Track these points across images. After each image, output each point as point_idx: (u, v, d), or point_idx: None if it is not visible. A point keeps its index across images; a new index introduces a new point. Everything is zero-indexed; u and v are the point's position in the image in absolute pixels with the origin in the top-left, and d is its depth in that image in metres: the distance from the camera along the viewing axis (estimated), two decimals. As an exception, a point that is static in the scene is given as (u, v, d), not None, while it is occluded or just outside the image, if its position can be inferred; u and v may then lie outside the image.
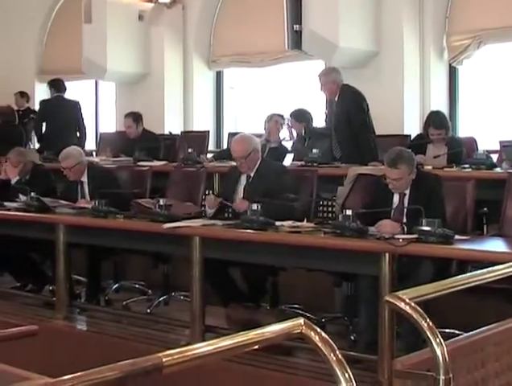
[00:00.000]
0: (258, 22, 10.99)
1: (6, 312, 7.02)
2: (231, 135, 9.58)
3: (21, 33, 13.39)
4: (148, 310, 6.98)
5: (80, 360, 6.12)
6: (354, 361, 4.71)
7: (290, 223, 5.63)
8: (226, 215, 6.55)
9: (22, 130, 11.01)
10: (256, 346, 2.17)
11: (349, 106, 8.05)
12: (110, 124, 12.26)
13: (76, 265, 7.23)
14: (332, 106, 8.39)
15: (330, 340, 2.23)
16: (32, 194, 7.08)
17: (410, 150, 5.85)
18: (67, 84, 13.29)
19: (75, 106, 11.27)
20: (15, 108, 12.02)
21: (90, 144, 11.96)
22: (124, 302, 7.22)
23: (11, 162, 8.24)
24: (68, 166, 7.41)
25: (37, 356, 5.73)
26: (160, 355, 1.92)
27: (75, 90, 13.50)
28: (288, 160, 8.56)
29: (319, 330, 2.25)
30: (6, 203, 7.55)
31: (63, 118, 10.86)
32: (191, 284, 5.98)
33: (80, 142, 10.39)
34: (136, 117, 9.73)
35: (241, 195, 6.41)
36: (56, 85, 11.29)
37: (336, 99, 8.16)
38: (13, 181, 8.18)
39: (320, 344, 2.21)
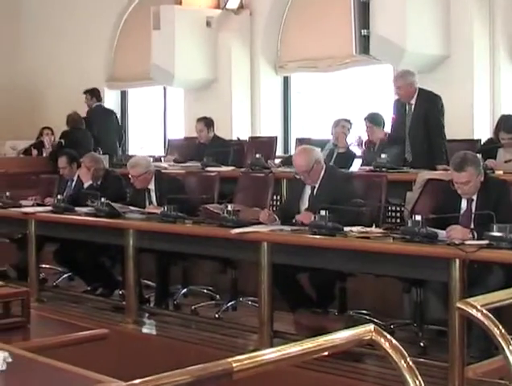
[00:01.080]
0: (326, 27, 10.96)
1: (77, 316, 7.11)
2: (298, 140, 9.57)
3: (91, 40, 13.57)
4: (216, 315, 7.00)
5: (148, 364, 6.19)
6: (424, 368, 4.65)
7: (358, 228, 5.60)
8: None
9: (90, 136, 11.16)
10: (326, 353, 2.16)
11: (428, 109, 8.01)
12: (178, 130, 12.34)
13: (145, 270, 7.30)
14: (401, 109, 8.30)
15: (400, 347, 2.21)
16: (103, 199, 7.17)
17: (476, 153, 5.78)
18: (136, 90, 13.54)
19: (113, 114, 12.15)
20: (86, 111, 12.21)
21: (158, 150, 12.08)
22: (192, 307, 7.25)
23: (85, 166, 8.37)
24: (135, 174, 7.49)
25: (107, 359, 5.79)
26: (230, 360, 1.93)
27: (143, 96, 13.68)
28: (356, 165, 8.52)
29: (389, 336, 2.23)
30: (77, 209, 7.67)
31: (106, 126, 11.48)
32: (259, 289, 5.99)
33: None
34: (208, 122, 9.85)
35: (307, 205, 6.39)
36: (96, 95, 12.10)
37: (413, 102, 8.10)
38: (85, 185, 8.31)
39: (390, 351, 2.19)
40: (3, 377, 2.40)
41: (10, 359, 2.38)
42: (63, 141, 10.63)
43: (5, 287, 5.58)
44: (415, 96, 8.10)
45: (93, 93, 12.26)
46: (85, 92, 12.29)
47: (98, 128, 11.56)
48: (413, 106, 8.13)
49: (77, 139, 10.63)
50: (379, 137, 8.55)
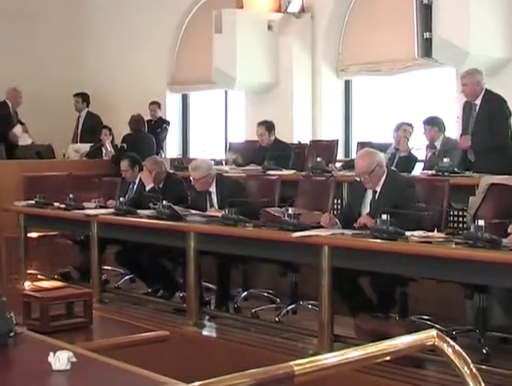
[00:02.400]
0: (388, 31, 10.90)
1: (138, 317, 7.17)
2: (360, 144, 9.53)
3: (153, 44, 13.69)
4: (276, 319, 6.99)
5: (208, 366, 6.21)
6: (487, 376, 4.60)
7: (420, 233, 5.55)
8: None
9: (152, 139, 11.24)
10: (387, 358, 2.15)
11: (493, 110, 7.90)
12: (239, 133, 12.38)
13: (206, 273, 7.33)
14: (467, 109, 8.21)
15: (463, 353, 2.18)
16: (164, 202, 7.22)
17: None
18: (197, 93, 13.60)
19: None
20: (149, 117, 12.31)
21: (219, 153, 12.13)
22: (253, 310, 7.25)
23: (147, 168, 8.45)
24: (196, 177, 7.53)
25: (167, 361, 5.84)
26: (291, 363, 1.92)
27: (205, 100, 13.74)
28: (418, 169, 8.45)
29: (452, 342, 2.21)
30: (138, 211, 7.74)
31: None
32: (319, 293, 5.97)
33: None
34: (269, 126, 9.87)
35: (368, 209, 6.36)
36: (87, 100, 12.78)
37: (478, 102, 8.01)
38: (147, 188, 8.39)
39: (453, 357, 2.17)
40: (67, 376, 2.44)
41: (74, 359, 2.41)
42: (125, 145, 10.71)
43: (68, 288, 5.66)
44: (481, 97, 8.00)
45: (84, 98, 12.74)
46: (76, 95, 12.80)
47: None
48: (477, 106, 8.04)
49: (139, 142, 10.72)
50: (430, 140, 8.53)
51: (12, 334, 2.72)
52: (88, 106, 12.75)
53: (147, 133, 11.35)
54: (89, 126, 12.45)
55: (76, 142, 12.40)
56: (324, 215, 6.34)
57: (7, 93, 12.57)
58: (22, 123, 12.39)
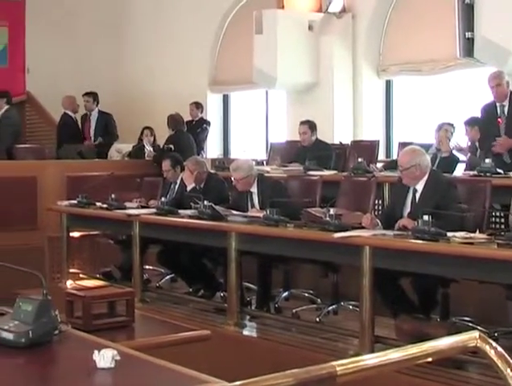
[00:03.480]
0: (429, 30, 10.84)
1: (179, 317, 7.22)
2: (401, 144, 9.49)
3: (194, 44, 13.75)
4: (317, 319, 7.00)
5: (250, 366, 6.23)
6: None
7: (462, 234, 5.52)
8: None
9: (192, 139, 11.28)
10: (429, 359, 2.15)
11: None
12: (281, 133, 12.39)
13: (246, 273, 7.35)
14: (490, 112, 8.17)
15: (506, 355, 2.18)
16: (206, 202, 7.26)
17: None
18: (238, 93, 13.64)
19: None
20: (190, 118, 12.37)
21: (261, 153, 12.15)
22: (293, 310, 7.27)
23: (188, 169, 8.49)
24: (238, 177, 7.55)
25: (208, 360, 5.86)
26: (334, 363, 1.93)
27: (245, 100, 13.77)
28: (459, 170, 8.40)
29: (494, 344, 2.20)
30: (180, 211, 7.79)
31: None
32: (360, 294, 5.97)
33: None
34: (311, 125, 9.90)
35: (409, 210, 6.33)
36: (97, 99, 12.59)
37: (506, 103, 7.98)
38: (188, 188, 8.43)
39: (495, 359, 2.17)
40: (112, 374, 2.47)
41: (118, 357, 2.44)
42: (172, 146, 10.74)
43: (110, 287, 5.71)
44: (508, 98, 7.97)
45: (95, 97, 12.57)
46: (87, 95, 12.60)
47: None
48: (505, 107, 7.99)
49: (179, 142, 10.77)
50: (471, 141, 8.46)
51: (57, 332, 2.77)
52: (98, 105, 12.59)
53: (187, 132, 11.39)
54: (103, 125, 12.42)
55: (82, 142, 12.35)
56: (365, 215, 6.33)
57: (63, 103, 12.76)
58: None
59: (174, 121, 11.19)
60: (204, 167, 8.60)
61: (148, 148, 11.43)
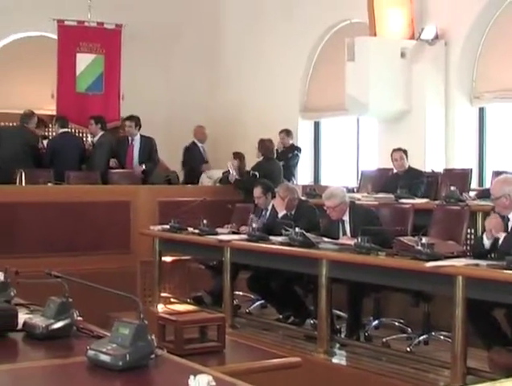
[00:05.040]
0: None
1: (269, 343, 7.22)
2: (495, 173, 9.34)
3: (286, 71, 13.83)
4: (408, 349, 6.92)
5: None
6: None
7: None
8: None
9: (280, 166, 11.30)
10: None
11: None
12: (371, 160, 12.34)
13: (337, 300, 7.33)
14: None
15: None
16: (297, 229, 7.26)
17: None
18: (329, 120, 13.64)
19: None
20: (281, 145, 12.43)
21: (351, 181, 12.12)
22: (384, 339, 7.21)
23: (279, 196, 8.52)
24: (332, 205, 7.54)
25: (298, 388, 5.86)
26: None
27: (336, 127, 13.77)
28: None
29: None
30: (271, 237, 7.81)
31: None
32: (453, 324, 5.89)
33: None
34: (405, 152, 9.90)
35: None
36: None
37: None
38: (279, 215, 8.45)
39: None
40: (207, 400, 2.49)
41: (213, 383, 2.46)
42: (257, 173, 10.80)
43: (201, 312, 5.77)
44: None
45: (137, 122, 12.41)
46: (129, 120, 12.42)
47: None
48: None
49: (268, 169, 10.79)
50: None
51: (153, 356, 2.80)
52: (139, 129, 12.42)
53: (275, 160, 11.42)
54: (148, 150, 12.29)
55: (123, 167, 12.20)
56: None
57: (194, 132, 13.07)
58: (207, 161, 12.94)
59: (264, 146, 11.22)
60: (295, 194, 8.62)
61: (232, 172, 11.43)
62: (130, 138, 12.26)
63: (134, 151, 12.19)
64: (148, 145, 12.32)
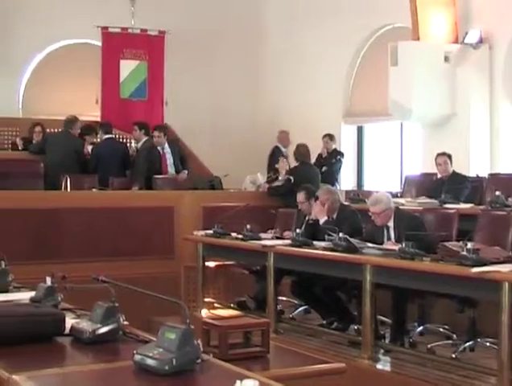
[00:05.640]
0: None
1: (313, 348, 7.21)
2: (542, 178, 9.26)
3: (329, 76, 13.83)
4: (453, 355, 6.85)
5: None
6: None
7: None
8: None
9: (317, 171, 11.26)
10: None
11: None
12: (415, 165, 12.27)
13: (381, 306, 7.29)
14: None
15: None
16: (341, 234, 7.24)
17: None
18: (372, 125, 13.60)
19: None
20: (324, 150, 12.42)
21: (395, 186, 12.06)
22: (428, 345, 7.15)
23: (320, 201, 8.49)
24: (377, 211, 7.50)
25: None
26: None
27: (380, 132, 13.72)
28: None
29: None
30: (314, 243, 7.80)
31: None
32: (499, 330, 5.82)
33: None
34: (449, 157, 9.82)
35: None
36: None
37: None
38: (321, 221, 8.43)
39: None
40: (254, 406, 2.49)
41: (259, 389, 2.46)
42: (292, 177, 10.78)
43: (245, 317, 5.77)
44: None
45: (165, 131, 12.35)
46: (157, 130, 12.19)
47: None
48: None
49: (304, 174, 10.72)
50: None
51: (199, 360, 2.81)
52: (165, 137, 12.27)
53: (311, 165, 11.38)
54: (177, 154, 12.25)
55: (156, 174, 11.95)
56: None
57: (278, 137, 13.19)
58: None
59: (298, 151, 11.15)
60: (335, 196, 8.58)
61: (261, 181, 11.48)
62: (159, 148, 12.08)
63: (168, 159, 12.13)
64: (176, 149, 12.36)
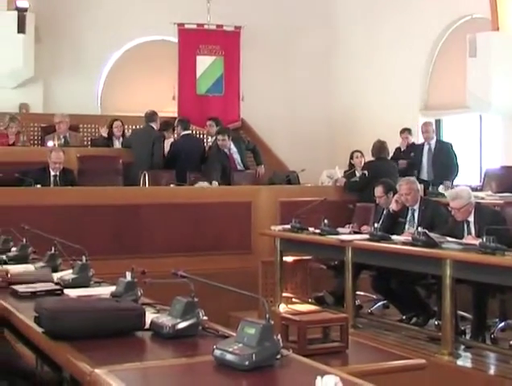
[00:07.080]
0: None
1: (391, 344, 7.15)
2: None
3: (406, 69, 13.69)
4: (536, 352, 6.74)
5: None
6: None
7: None
8: None
9: (393, 164, 11.14)
10: None
11: None
12: (495, 158, 12.06)
13: (461, 301, 7.18)
14: None
15: None
16: (420, 228, 7.16)
17: None
18: (450, 118, 13.41)
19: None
20: (404, 144, 12.31)
21: (474, 179, 11.87)
22: (510, 342, 7.02)
23: (402, 192, 8.39)
24: (457, 206, 7.40)
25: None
26: None
27: (458, 124, 13.52)
28: None
29: None
30: (393, 237, 7.72)
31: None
32: None
33: None
34: None
35: None
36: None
37: None
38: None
39: None
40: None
41: (340, 384, 2.44)
42: (366, 172, 10.70)
43: (324, 312, 5.76)
44: None
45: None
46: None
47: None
48: None
49: (381, 169, 10.61)
50: None
51: (279, 356, 2.80)
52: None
53: (390, 160, 11.27)
54: (244, 150, 12.29)
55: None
56: None
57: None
58: None
59: (374, 146, 11.09)
60: (415, 184, 8.49)
61: (338, 176, 11.43)
62: (226, 150, 12.01)
63: (236, 158, 12.13)
64: (241, 145, 12.31)
